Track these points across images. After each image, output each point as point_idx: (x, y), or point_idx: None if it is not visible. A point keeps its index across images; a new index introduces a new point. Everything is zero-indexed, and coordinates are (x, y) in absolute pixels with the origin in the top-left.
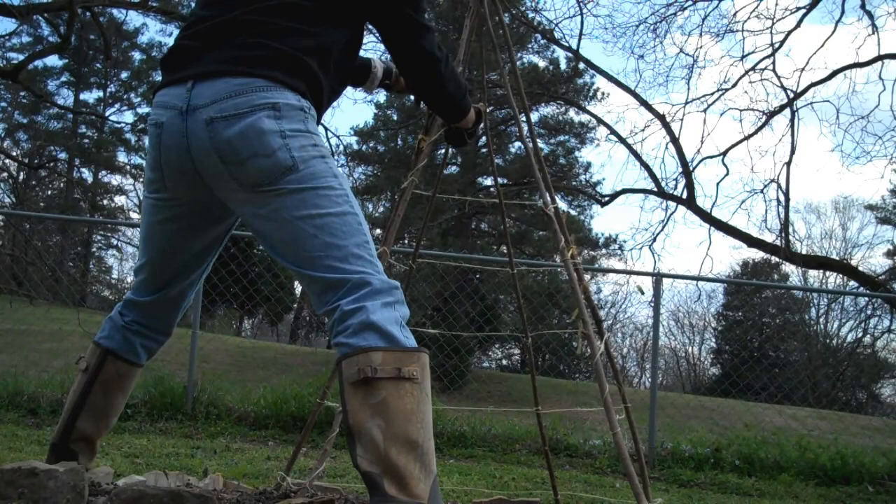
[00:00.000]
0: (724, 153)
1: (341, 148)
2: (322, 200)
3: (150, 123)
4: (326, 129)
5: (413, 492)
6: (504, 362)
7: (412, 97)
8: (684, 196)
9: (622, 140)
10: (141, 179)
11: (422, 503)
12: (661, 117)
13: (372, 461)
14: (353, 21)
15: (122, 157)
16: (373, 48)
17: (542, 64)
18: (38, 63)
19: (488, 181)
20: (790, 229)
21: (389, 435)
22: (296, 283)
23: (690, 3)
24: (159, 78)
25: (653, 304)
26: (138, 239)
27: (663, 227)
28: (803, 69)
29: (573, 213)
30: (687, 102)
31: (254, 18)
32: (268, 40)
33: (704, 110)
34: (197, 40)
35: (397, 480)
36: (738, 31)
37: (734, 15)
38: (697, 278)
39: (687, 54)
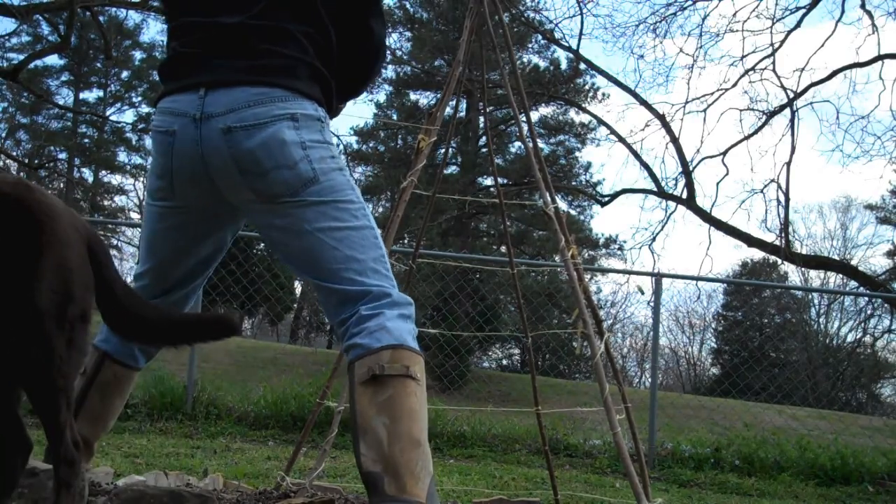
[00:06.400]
0: (724, 153)
1: (341, 148)
2: (342, 213)
3: (159, 131)
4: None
5: (412, 491)
6: (504, 362)
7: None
8: (684, 196)
9: (622, 140)
10: (141, 179)
11: (420, 502)
12: (661, 117)
13: (375, 459)
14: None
15: (122, 157)
16: None
17: (542, 64)
18: (38, 63)
19: (488, 181)
20: (790, 229)
21: (394, 432)
22: (296, 282)
23: (690, 3)
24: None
25: (653, 304)
26: (140, 243)
27: (663, 226)
28: (803, 69)
29: (573, 213)
30: (687, 102)
31: (263, 23)
32: (282, 48)
33: (704, 110)
34: (201, 47)
35: (397, 479)
36: (738, 31)
37: (734, 15)
38: (697, 278)
39: (687, 54)
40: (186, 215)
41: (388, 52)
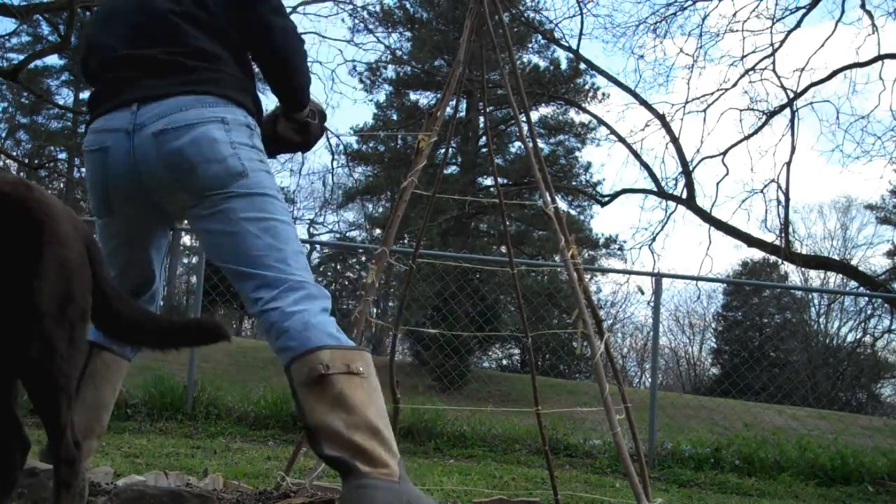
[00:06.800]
0: (724, 153)
1: (341, 148)
2: (268, 206)
3: (91, 150)
4: (327, 129)
5: (387, 466)
6: (504, 362)
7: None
8: (684, 196)
9: (622, 140)
10: None
11: (395, 478)
12: (661, 117)
13: (338, 448)
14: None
15: None
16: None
17: (542, 64)
18: (38, 63)
19: (488, 181)
20: (790, 229)
21: (351, 423)
22: None
23: (690, 3)
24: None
25: (653, 304)
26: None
27: (663, 226)
28: (803, 69)
29: (573, 213)
30: (687, 102)
31: (193, 48)
32: (211, 64)
33: (704, 110)
34: (131, 71)
35: (367, 459)
36: (738, 31)
37: (734, 15)
38: (697, 278)
39: (687, 54)
40: (129, 229)
41: (388, 52)
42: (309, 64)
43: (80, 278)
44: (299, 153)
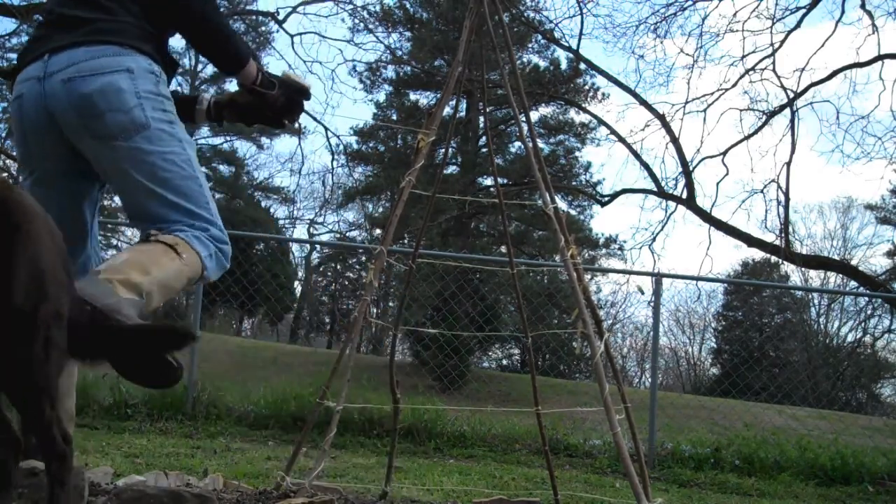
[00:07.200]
0: (724, 153)
1: (341, 148)
2: (168, 164)
3: (12, 101)
4: (326, 128)
5: (119, 284)
6: (504, 362)
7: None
8: (684, 196)
9: (622, 140)
10: None
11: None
12: (661, 117)
13: (105, 274)
14: None
15: None
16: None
17: (542, 64)
18: None
19: (488, 181)
20: (790, 229)
21: (129, 260)
22: (296, 282)
23: (690, 3)
24: None
25: (653, 304)
26: None
27: (663, 226)
28: (803, 69)
29: (573, 213)
30: (687, 102)
31: (97, 2)
32: (114, 16)
33: (704, 110)
34: (47, 30)
35: (113, 273)
36: (738, 31)
37: (734, 15)
38: (697, 278)
39: (687, 54)
40: (52, 174)
41: (388, 52)
42: (228, 20)
43: (55, 278)
44: (273, 127)
